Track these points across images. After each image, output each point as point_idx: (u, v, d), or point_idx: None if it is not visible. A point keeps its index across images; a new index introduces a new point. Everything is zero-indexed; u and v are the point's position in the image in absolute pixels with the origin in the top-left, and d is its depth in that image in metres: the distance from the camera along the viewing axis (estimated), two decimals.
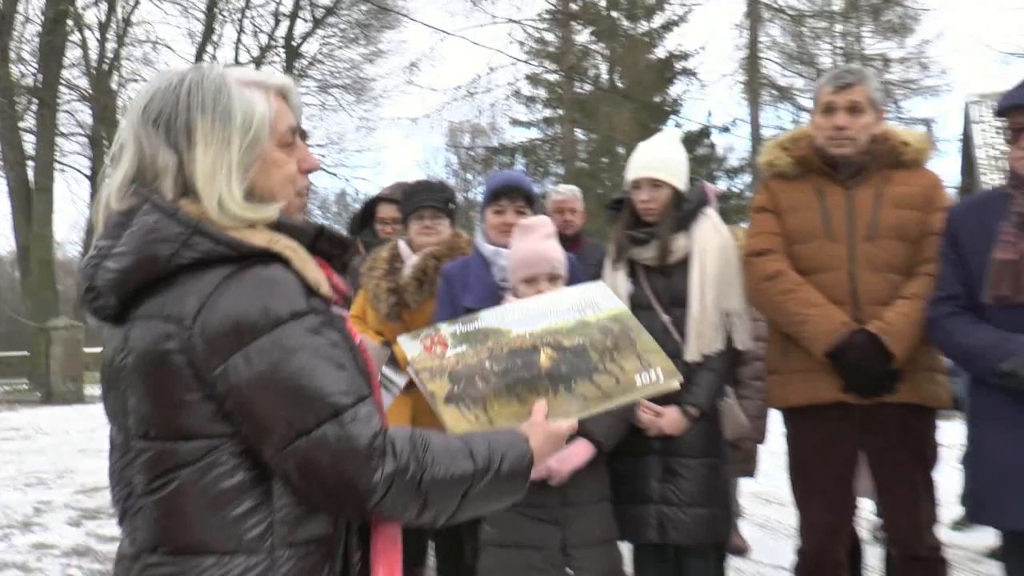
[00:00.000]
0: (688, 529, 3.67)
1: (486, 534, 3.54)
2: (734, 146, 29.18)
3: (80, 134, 27.14)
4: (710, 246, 3.71)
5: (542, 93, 28.40)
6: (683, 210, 3.75)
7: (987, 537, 5.05)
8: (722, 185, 26.36)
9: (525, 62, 27.55)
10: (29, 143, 24.97)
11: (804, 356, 3.39)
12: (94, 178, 26.84)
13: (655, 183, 3.73)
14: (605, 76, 27.93)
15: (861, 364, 3.29)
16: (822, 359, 3.31)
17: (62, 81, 25.23)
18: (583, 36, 27.76)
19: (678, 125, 27.73)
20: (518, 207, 3.91)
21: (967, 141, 23.12)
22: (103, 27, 26.90)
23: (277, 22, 28.89)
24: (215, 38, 28.57)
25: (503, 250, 3.77)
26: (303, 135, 1.77)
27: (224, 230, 1.52)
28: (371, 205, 5.42)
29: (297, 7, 28.61)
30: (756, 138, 27.38)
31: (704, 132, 28.00)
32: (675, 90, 28.42)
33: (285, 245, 1.56)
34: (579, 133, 27.32)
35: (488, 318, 1.88)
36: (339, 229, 1.75)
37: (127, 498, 1.60)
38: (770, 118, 29.19)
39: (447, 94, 27.43)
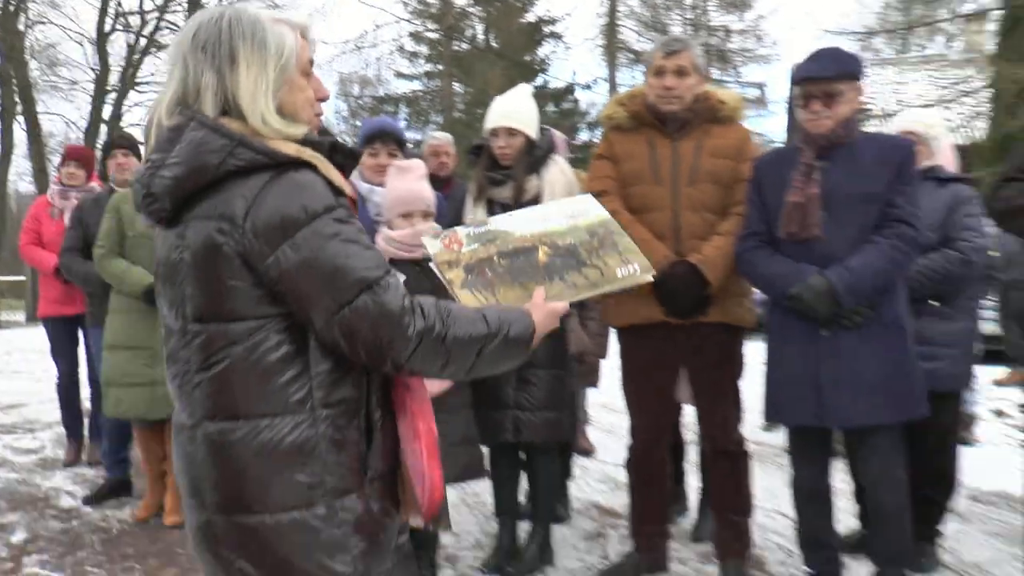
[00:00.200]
0: (538, 429, 3.79)
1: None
2: (596, 102, 29.20)
3: None
4: (558, 186, 3.80)
5: (424, 50, 27.92)
6: (534, 155, 3.84)
7: None
8: (584, 136, 26.53)
9: (408, 21, 27.09)
10: None
11: None
12: (3, 114, 25.40)
13: (511, 131, 3.80)
14: (481, 36, 27.65)
15: (681, 290, 3.41)
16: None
17: None
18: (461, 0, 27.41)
19: (546, 83, 27.74)
20: (390, 150, 3.93)
21: (792, 103, 23.72)
22: None
23: None
24: None
25: (377, 188, 3.79)
26: None
27: (262, 142, 1.61)
28: None
29: None
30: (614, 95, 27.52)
31: (569, 89, 28.02)
32: (543, 51, 28.30)
33: (311, 155, 1.65)
34: (457, 87, 27.05)
35: (496, 223, 1.99)
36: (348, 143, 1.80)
37: (184, 375, 1.68)
38: (626, 78, 29.30)
39: (337, 47, 26.75)
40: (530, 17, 27.65)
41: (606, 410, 6.97)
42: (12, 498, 5.18)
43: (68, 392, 6.00)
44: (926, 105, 18.86)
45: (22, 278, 21.54)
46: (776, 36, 36.97)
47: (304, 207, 1.57)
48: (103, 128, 25.70)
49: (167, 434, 4.69)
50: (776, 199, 3.22)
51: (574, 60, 45.48)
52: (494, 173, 3.83)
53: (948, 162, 3.98)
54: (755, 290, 3.58)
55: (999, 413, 7.34)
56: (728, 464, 3.69)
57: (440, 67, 27.01)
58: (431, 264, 1.89)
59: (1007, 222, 3.10)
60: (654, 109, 3.58)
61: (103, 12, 26.28)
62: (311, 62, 1.78)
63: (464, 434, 3.61)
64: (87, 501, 5.07)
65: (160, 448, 4.75)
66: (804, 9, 43.83)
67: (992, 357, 3.23)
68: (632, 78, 29.66)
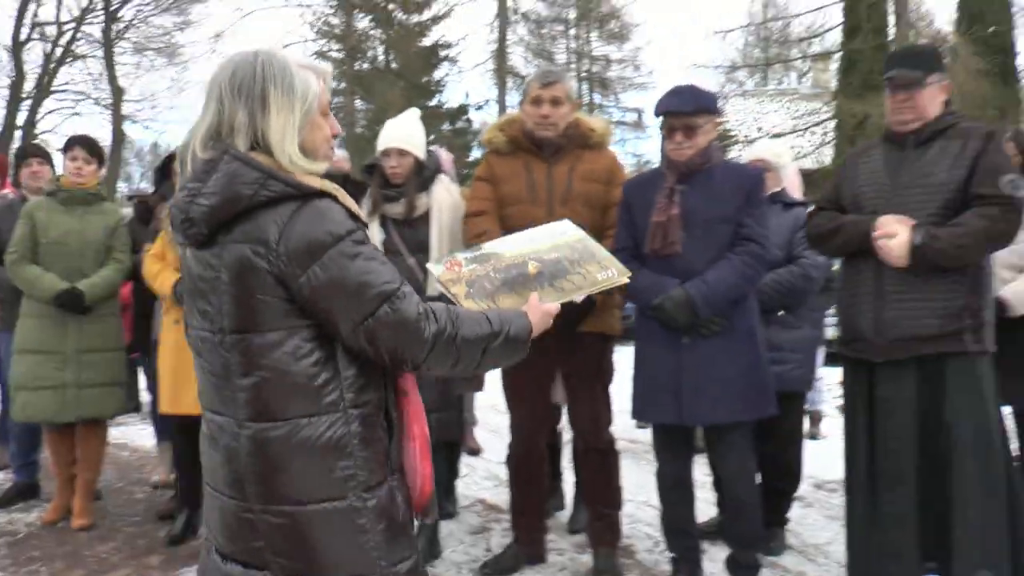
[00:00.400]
0: (431, 430, 3.74)
1: None
2: (487, 122, 29.32)
3: None
4: (444, 204, 3.79)
5: (328, 68, 27.58)
6: (423, 175, 3.81)
7: None
8: (477, 154, 26.55)
9: (314, 40, 26.65)
10: None
11: None
12: None
13: (401, 152, 3.77)
14: (381, 57, 27.40)
15: (570, 306, 3.43)
16: None
17: None
18: (363, 23, 27.07)
19: (441, 103, 27.67)
20: None
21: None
22: None
23: None
24: None
25: None
26: None
27: (290, 175, 1.70)
28: (168, 161, 5.12)
29: None
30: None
31: (462, 110, 27.98)
32: (439, 73, 28.18)
33: (331, 186, 1.74)
34: (359, 104, 26.70)
35: (487, 247, 2.11)
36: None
37: (223, 380, 1.74)
38: (515, 100, 29.48)
39: None
40: (427, 41, 27.52)
41: (493, 411, 6.96)
42: None
43: None
44: (780, 134, 19.63)
45: None
46: (652, 66, 37.81)
47: (329, 232, 1.67)
48: (17, 135, 24.48)
49: (77, 437, 4.49)
50: (642, 219, 3.28)
51: (467, 82, 45.54)
52: (388, 190, 3.79)
53: (793, 188, 4.13)
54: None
55: (843, 410, 7.63)
56: (599, 461, 3.72)
57: (343, 85, 26.60)
58: (436, 283, 1.97)
59: (819, 245, 3.27)
60: (531, 135, 3.60)
61: (19, 21, 25.06)
62: (329, 103, 1.86)
63: None
64: None
65: (69, 452, 4.54)
66: (676, 43, 45.21)
67: (836, 360, 3.39)
68: (520, 100, 29.86)
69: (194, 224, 1.71)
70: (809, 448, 4.32)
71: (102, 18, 26.07)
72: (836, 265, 3.49)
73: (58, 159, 5.02)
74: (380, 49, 27.31)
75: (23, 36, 25.32)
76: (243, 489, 1.74)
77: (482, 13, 31.44)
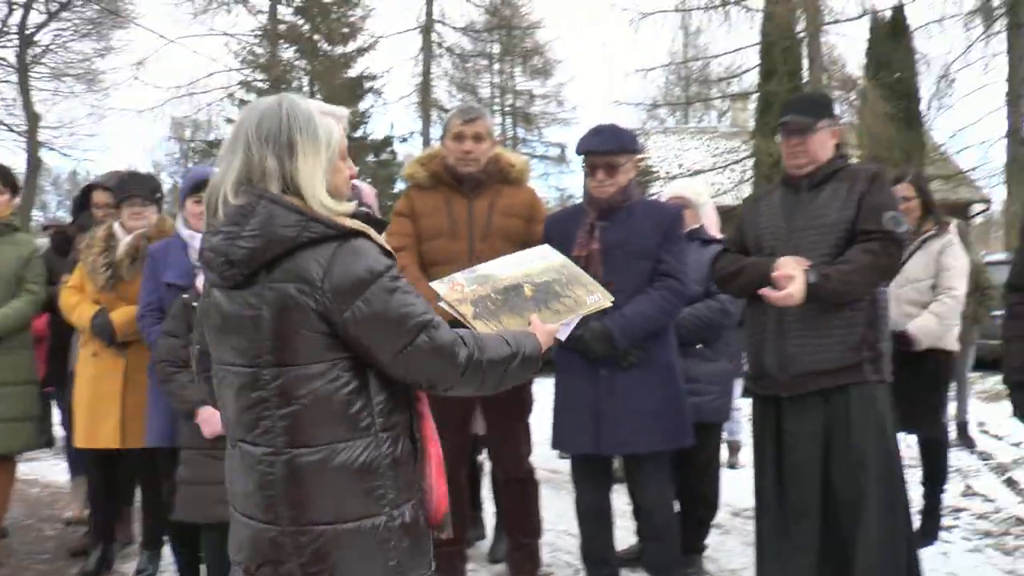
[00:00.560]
0: None
1: (180, 473, 3.47)
2: (412, 154, 29.32)
3: None
4: None
5: (253, 97, 27.28)
6: None
7: None
8: (401, 186, 26.53)
9: (238, 70, 26.37)
10: None
11: None
12: None
13: None
14: (306, 88, 27.27)
15: None
16: None
17: None
18: (288, 53, 26.94)
19: (366, 134, 27.64)
20: None
21: None
22: None
23: (11, 10, 25.72)
24: None
25: (198, 235, 3.69)
26: None
27: (328, 217, 1.80)
28: (87, 191, 5.04)
29: None
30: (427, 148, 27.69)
31: (386, 141, 28.01)
32: (364, 104, 28.18)
33: (362, 226, 1.83)
34: None
35: (481, 268, 2.21)
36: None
37: (259, 411, 1.82)
38: (439, 133, 29.65)
39: (169, 91, 25.60)
40: (352, 73, 27.52)
41: None
42: None
43: None
44: (700, 171, 20.17)
45: None
46: (575, 101, 38.54)
47: (369, 269, 1.78)
48: None
49: None
50: (564, 252, 3.35)
51: (392, 115, 45.66)
52: None
53: (711, 225, 4.28)
54: None
55: None
56: (519, 490, 3.77)
57: None
58: (442, 303, 2.06)
59: (724, 286, 3.42)
60: (452, 170, 3.65)
61: None
62: (346, 146, 1.96)
63: None
64: None
65: None
66: (598, 80, 46.11)
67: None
68: (441, 135, 29.96)
69: (235, 265, 1.79)
70: (727, 477, 4.45)
71: (16, 42, 25.36)
72: None
73: None
74: (305, 80, 27.18)
75: None
76: (277, 513, 1.82)
77: (407, 46, 31.72)
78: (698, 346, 3.95)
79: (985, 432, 7.48)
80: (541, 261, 2.29)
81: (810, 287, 2.89)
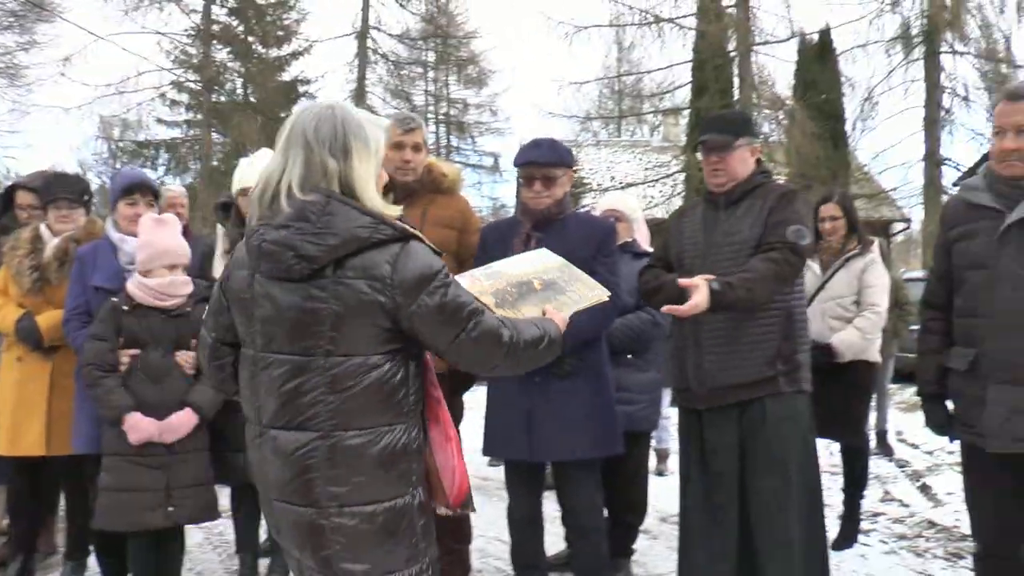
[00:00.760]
0: None
1: (103, 480, 3.40)
2: None
3: None
4: None
5: (185, 98, 26.73)
6: None
7: None
8: None
9: (170, 70, 25.82)
10: None
11: None
12: None
13: None
14: (240, 91, 26.89)
15: None
16: None
17: None
18: (222, 54, 26.51)
19: None
20: (148, 200, 3.79)
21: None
22: None
23: None
24: None
25: (128, 238, 3.64)
26: None
27: (394, 220, 1.98)
28: (10, 191, 4.91)
29: None
30: None
31: None
32: (298, 109, 27.95)
33: (412, 229, 2.01)
34: (216, 136, 26.03)
35: (494, 267, 2.42)
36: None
37: (309, 398, 1.94)
38: None
39: (98, 89, 24.78)
40: (286, 76, 27.25)
41: None
42: None
43: None
44: (632, 184, 20.47)
45: None
46: (509, 112, 38.74)
47: (429, 267, 1.96)
48: None
49: None
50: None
51: None
52: (244, 229, 3.77)
53: (643, 238, 4.40)
54: None
55: None
56: None
57: (200, 116, 25.86)
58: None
59: (647, 301, 3.50)
60: (391, 180, 3.64)
61: None
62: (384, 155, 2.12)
63: (199, 476, 3.51)
64: None
65: None
66: (531, 92, 46.42)
67: None
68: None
69: (306, 260, 1.92)
70: (655, 483, 4.54)
71: None
72: None
73: None
74: (239, 82, 26.79)
75: None
76: (316, 496, 1.95)
77: (342, 52, 31.53)
78: (629, 356, 4.03)
79: (903, 441, 7.77)
80: (543, 262, 2.52)
81: (713, 294, 2.92)
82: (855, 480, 4.69)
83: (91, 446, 3.57)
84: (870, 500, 5.20)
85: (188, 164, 26.20)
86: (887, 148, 26.80)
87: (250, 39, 26.47)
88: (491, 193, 33.97)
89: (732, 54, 19.50)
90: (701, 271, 3.11)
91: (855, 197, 11.41)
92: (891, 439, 7.53)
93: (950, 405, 3.05)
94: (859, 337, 4.38)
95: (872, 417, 5.53)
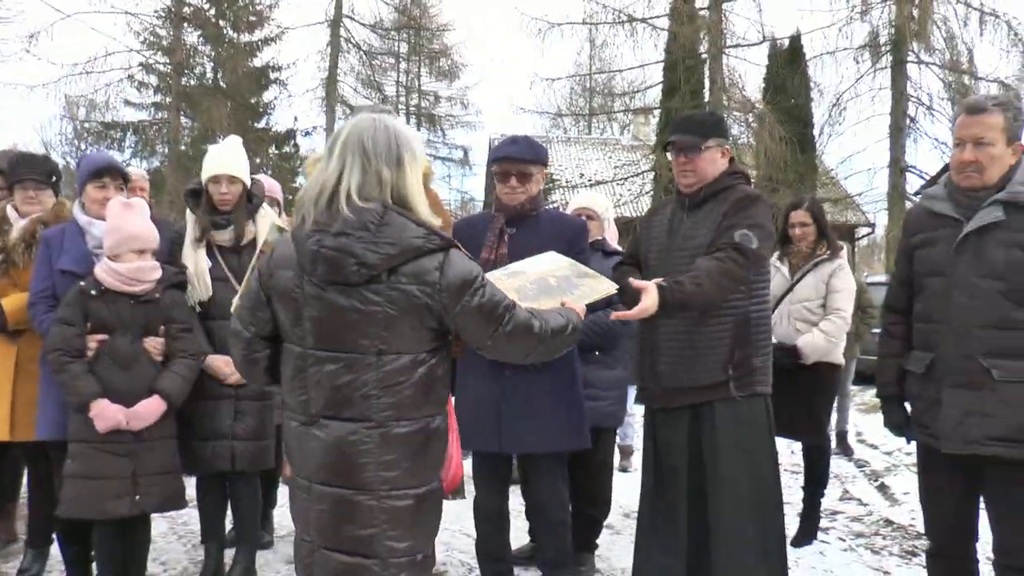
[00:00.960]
0: (254, 458, 3.74)
1: (68, 467, 3.37)
2: (315, 148, 28.90)
3: None
4: (271, 236, 3.79)
5: (154, 80, 26.37)
6: (252, 203, 3.83)
7: None
8: (303, 180, 26.10)
9: (139, 51, 25.46)
10: None
11: None
12: None
13: (232, 179, 3.76)
14: (210, 75, 26.60)
15: None
16: None
17: None
18: (192, 37, 26.20)
19: (270, 126, 27.16)
20: (118, 184, 3.76)
21: (490, 166, 24.77)
22: None
23: None
24: None
25: (97, 221, 3.60)
26: None
27: (442, 231, 2.16)
28: None
29: None
30: None
31: (290, 134, 27.59)
32: (268, 95, 27.70)
33: (451, 238, 2.19)
34: (184, 121, 25.72)
35: (513, 267, 2.67)
36: None
37: (361, 391, 2.13)
38: None
39: (65, 68, 24.29)
40: (258, 62, 27.02)
41: None
42: None
43: None
44: (601, 181, 20.55)
45: None
46: (480, 105, 38.71)
47: (470, 271, 2.16)
48: None
49: None
50: (473, 256, 3.42)
51: (296, 107, 44.97)
52: (216, 217, 3.76)
53: (612, 237, 4.45)
54: None
55: None
56: None
57: (169, 99, 25.53)
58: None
59: (617, 298, 3.52)
60: None
61: None
62: None
63: (166, 464, 3.50)
64: None
65: None
66: (503, 87, 46.43)
67: None
68: None
69: (366, 266, 2.08)
70: (618, 479, 4.60)
71: None
72: None
73: None
74: (209, 66, 26.50)
75: None
76: (368, 481, 2.15)
77: (315, 39, 31.35)
78: (596, 353, 4.07)
79: (862, 441, 7.91)
80: (553, 262, 2.76)
81: (661, 291, 2.90)
82: (816, 479, 4.78)
83: (56, 432, 3.52)
84: (829, 499, 5.30)
85: (155, 147, 25.89)
86: (853, 154, 27.27)
87: (221, 23, 26.20)
88: (460, 187, 33.87)
89: (704, 56, 19.66)
90: (661, 272, 3.15)
91: (821, 201, 11.59)
92: (851, 439, 7.67)
93: (908, 407, 3.13)
94: (824, 340, 4.48)
95: (833, 418, 5.63)
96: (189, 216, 3.83)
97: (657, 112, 20.66)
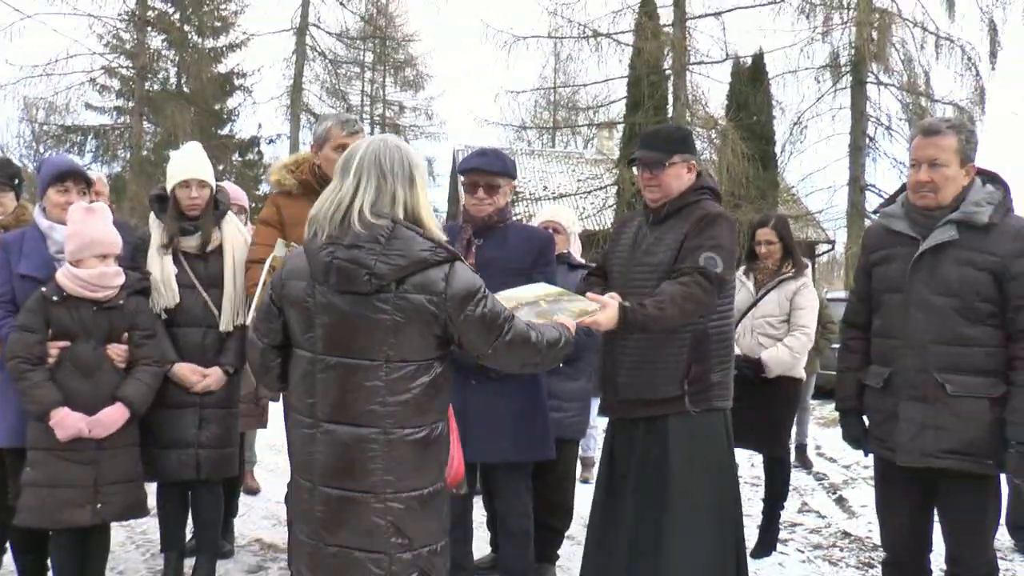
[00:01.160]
0: (218, 465, 3.72)
1: (27, 476, 3.31)
2: (279, 156, 28.74)
3: None
4: (236, 242, 3.79)
5: (116, 84, 26.04)
6: (219, 209, 3.81)
7: None
8: (266, 188, 25.91)
9: (102, 54, 25.13)
10: None
11: None
12: None
13: (202, 183, 3.73)
14: (173, 79, 26.34)
15: None
16: None
17: None
18: (156, 41, 25.93)
19: (233, 133, 26.96)
20: (80, 188, 3.70)
21: (454, 177, 24.81)
22: None
23: None
24: None
25: (58, 226, 3.54)
26: None
27: (447, 243, 2.31)
28: None
29: None
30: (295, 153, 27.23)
31: (253, 141, 27.41)
32: (232, 102, 27.52)
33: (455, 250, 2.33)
34: (147, 125, 25.40)
35: (505, 293, 2.74)
36: None
37: (374, 399, 2.24)
38: (308, 137, 29.25)
39: (24, 70, 23.84)
40: (222, 68, 26.83)
41: (272, 451, 6.87)
42: None
43: None
44: (564, 194, 20.65)
45: None
46: (444, 116, 38.80)
47: (473, 283, 2.28)
48: None
49: None
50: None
51: (260, 114, 44.66)
52: (184, 223, 3.73)
53: (577, 251, 4.50)
54: None
55: None
56: None
57: (131, 104, 25.20)
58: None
59: None
60: (327, 179, 3.46)
61: None
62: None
63: (128, 472, 3.46)
64: None
65: None
66: (468, 98, 46.54)
67: None
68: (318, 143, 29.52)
69: (376, 276, 2.21)
70: (580, 491, 4.61)
71: None
72: None
73: None
74: (172, 71, 26.25)
75: None
76: (374, 484, 2.25)
77: (280, 47, 31.21)
78: (560, 364, 4.09)
79: (821, 455, 8.02)
80: (544, 289, 2.94)
81: (623, 311, 2.92)
82: (776, 491, 4.85)
83: (14, 439, 3.45)
84: (788, 511, 5.37)
85: (117, 152, 25.55)
86: (814, 171, 27.55)
87: (186, 28, 26.01)
88: None
89: (668, 72, 19.87)
90: (622, 285, 3.19)
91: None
92: (810, 453, 7.77)
93: (867, 420, 3.20)
94: (789, 355, 4.57)
95: (792, 431, 5.71)
96: (154, 222, 3.78)
97: (621, 126, 20.82)
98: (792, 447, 6.00)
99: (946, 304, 2.89)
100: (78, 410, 3.32)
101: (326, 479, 2.30)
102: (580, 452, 5.58)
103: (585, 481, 6.44)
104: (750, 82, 19.85)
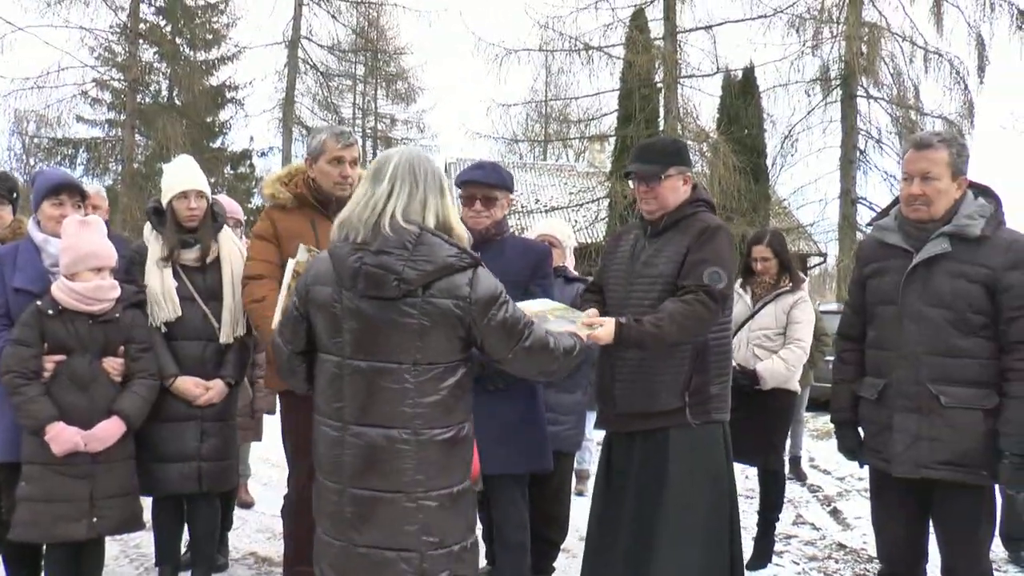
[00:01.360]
0: (218, 478, 3.72)
1: (21, 490, 3.31)
2: (271, 168, 28.76)
3: None
4: (234, 254, 3.79)
5: (108, 97, 26.03)
6: (217, 221, 3.81)
7: None
8: (259, 201, 25.87)
9: (93, 67, 25.10)
10: None
11: None
12: None
13: (200, 194, 3.73)
14: (165, 92, 26.34)
15: None
16: None
17: None
18: (148, 54, 25.92)
19: (225, 145, 26.96)
20: (75, 202, 3.69)
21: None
22: None
23: None
24: None
25: (52, 239, 3.53)
26: None
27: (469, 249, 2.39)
28: None
29: None
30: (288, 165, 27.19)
31: (245, 154, 27.41)
32: (224, 114, 27.53)
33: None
34: (138, 138, 25.37)
35: (522, 304, 2.70)
36: None
37: (402, 401, 2.32)
38: (299, 149, 29.26)
39: (15, 82, 23.73)
40: (214, 81, 26.84)
41: (266, 464, 6.85)
42: None
43: None
44: (556, 207, 20.70)
45: None
46: (436, 129, 38.94)
47: (496, 288, 2.38)
48: None
49: None
50: None
51: (252, 127, 44.60)
52: (184, 235, 3.73)
53: (572, 265, 4.53)
54: None
55: None
56: None
57: (123, 116, 25.16)
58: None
59: None
60: (322, 192, 3.61)
61: None
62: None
63: (124, 486, 3.46)
64: None
65: None
66: (459, 111, 46.67)
67: None
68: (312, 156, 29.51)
69: (405, 281, 2.28)
70: (575, 503, 4.62)
71: None
72: None
73: None
74: (164, 84, 26.25)
75: None
76: (406, 484, 2.32)
77: (272, 60, 31.29)
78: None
79: (815, 467, 8.04)
80: (551, 304, 3.02)
81: (619, 327, 2.96)
82: (771, 503, 4.87)
83: (10, 453, 3.44)
84: (783, 523, 5.38)
85: (108, 165, 25.50)
86: (805, 184, 27.79)
87: (178, 40, 26.01)
88: None
89: (659, 85, 19.99)
90: (621, 298, 3.21)
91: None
92: (804, 465, 7.79)
93: (861, 432, 3.22)
94: (784, 368, 4.60)
95: (787, 443, 5.73)
96: (151, 235, 3.77)
97: (612, 139, 20.91)
98: (786, 459, 6.01)
99: (939, 316, 2.92)
100: (74, 424, 3.31)
101: (356, 480, 2.36)
102: (575, 464, 5.59)
103: (580, 494, 6.44)
104: (741, 95, 19.99)
